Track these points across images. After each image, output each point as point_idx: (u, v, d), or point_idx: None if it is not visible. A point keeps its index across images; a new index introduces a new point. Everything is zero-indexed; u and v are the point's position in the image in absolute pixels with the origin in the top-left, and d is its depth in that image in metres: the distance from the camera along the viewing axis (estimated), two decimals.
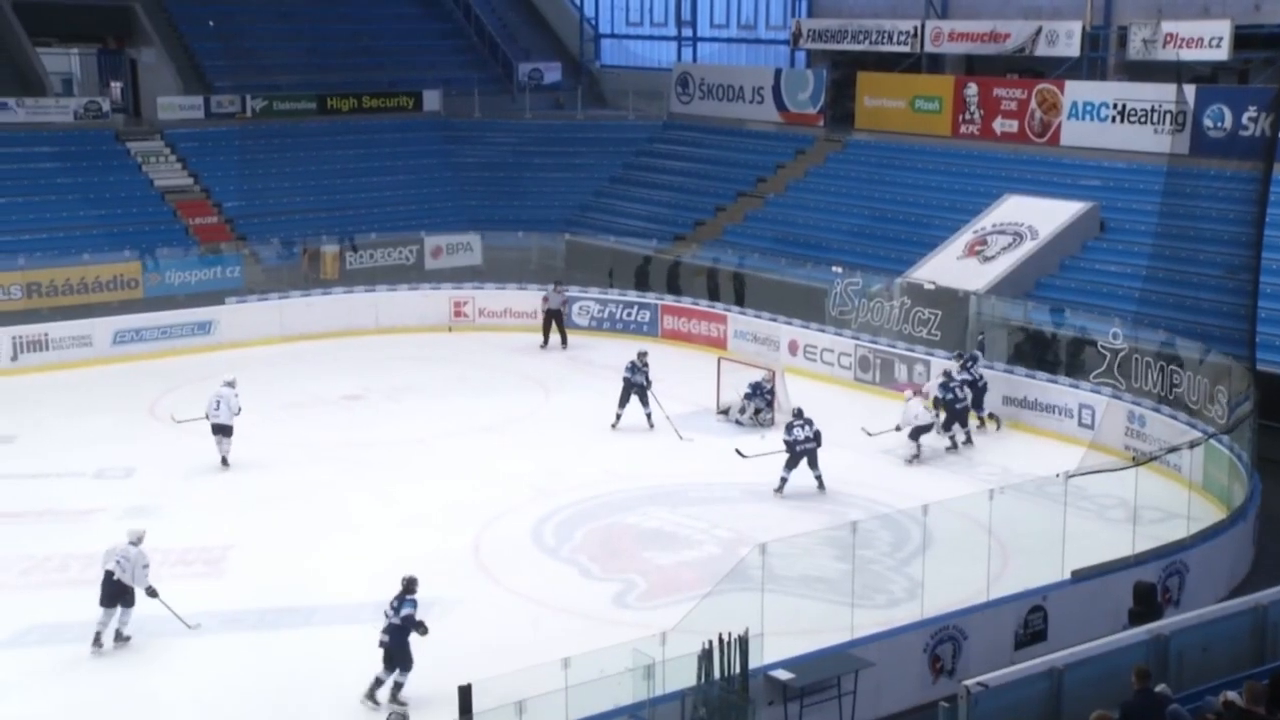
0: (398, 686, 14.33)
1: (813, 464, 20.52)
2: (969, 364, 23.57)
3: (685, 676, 12.62)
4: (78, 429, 23.80)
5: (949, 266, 28.28)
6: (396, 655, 14.30)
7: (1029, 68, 33.70)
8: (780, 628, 13.63)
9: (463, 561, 18.22)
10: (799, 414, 20.84)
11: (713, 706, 12.64)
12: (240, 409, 21.76)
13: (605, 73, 45.52)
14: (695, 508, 20.30)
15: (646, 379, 24.01)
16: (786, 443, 20.54)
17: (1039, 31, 32.65)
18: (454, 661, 14.23)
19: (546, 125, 40.73)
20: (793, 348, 28.07)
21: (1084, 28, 32.06)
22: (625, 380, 24.07)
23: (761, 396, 24.25)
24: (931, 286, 27.30)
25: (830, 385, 26.80)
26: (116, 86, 40.96)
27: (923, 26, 35.14)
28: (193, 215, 34.16)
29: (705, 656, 12.68)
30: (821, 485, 20.56)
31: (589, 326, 31.14)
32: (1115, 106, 30.38)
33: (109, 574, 15.53)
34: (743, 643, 12.79)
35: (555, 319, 29.89)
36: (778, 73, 38.47)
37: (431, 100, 40.50)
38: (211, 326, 29.76)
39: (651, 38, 45.40)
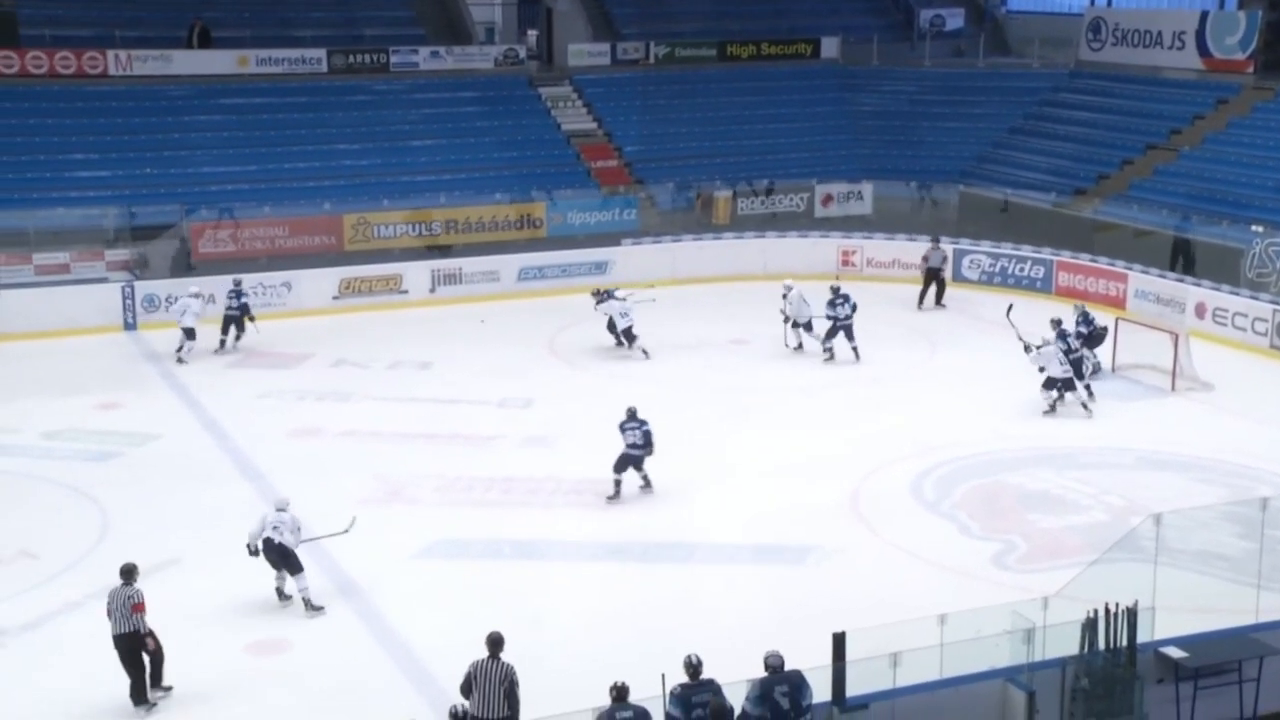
0: None
1: (850, 337, 24.73)
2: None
3: (1067, 644, 12.17)
4: (484, 360, 25.33)
5: None
6: None
7: None
8: (1172, 603, 12.89)
9: (841, 511, 18.26)
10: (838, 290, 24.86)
11: (1096, 678, 12.15)
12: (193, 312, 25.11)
13: (1011, 19, 43.81)
14: (1085, 472, 19.52)
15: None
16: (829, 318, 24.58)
17: None
18: (829, 609, 14.31)
19: (946, 74, 39.70)
20: (1200, 310, 26.35)
21: None
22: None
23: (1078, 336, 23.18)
24: None
25: (1243, 352, 25.10)
26: (532, 34, 42.95)
27: None
28: (595, 158, 35.42)
29: (1090, 625, 12.19)
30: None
31: (979, 281, 30.30)
32: None
33: (269, 540, 15.16)
34: (1131, 615, 12.21)
35: (934, 277, 29.26)
36: (1203, 15, 35.84)
37: (829, 47, 40.25)
38: (608, 266, 30.94)
39: None
